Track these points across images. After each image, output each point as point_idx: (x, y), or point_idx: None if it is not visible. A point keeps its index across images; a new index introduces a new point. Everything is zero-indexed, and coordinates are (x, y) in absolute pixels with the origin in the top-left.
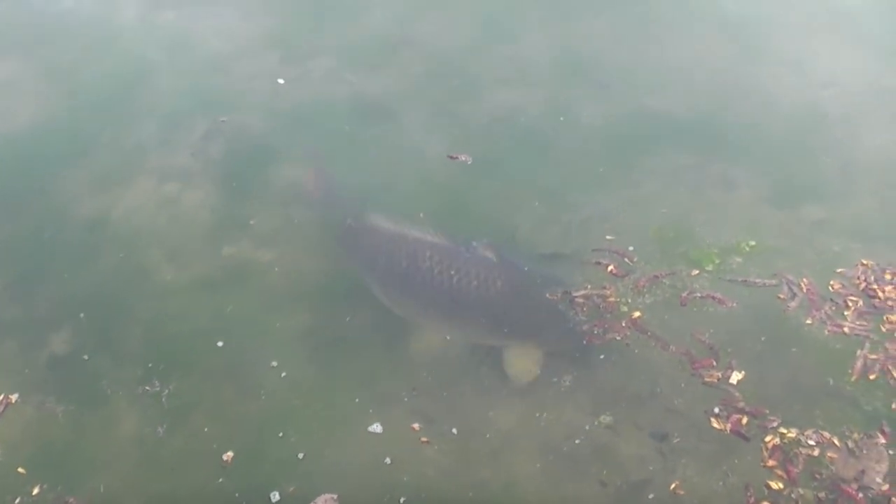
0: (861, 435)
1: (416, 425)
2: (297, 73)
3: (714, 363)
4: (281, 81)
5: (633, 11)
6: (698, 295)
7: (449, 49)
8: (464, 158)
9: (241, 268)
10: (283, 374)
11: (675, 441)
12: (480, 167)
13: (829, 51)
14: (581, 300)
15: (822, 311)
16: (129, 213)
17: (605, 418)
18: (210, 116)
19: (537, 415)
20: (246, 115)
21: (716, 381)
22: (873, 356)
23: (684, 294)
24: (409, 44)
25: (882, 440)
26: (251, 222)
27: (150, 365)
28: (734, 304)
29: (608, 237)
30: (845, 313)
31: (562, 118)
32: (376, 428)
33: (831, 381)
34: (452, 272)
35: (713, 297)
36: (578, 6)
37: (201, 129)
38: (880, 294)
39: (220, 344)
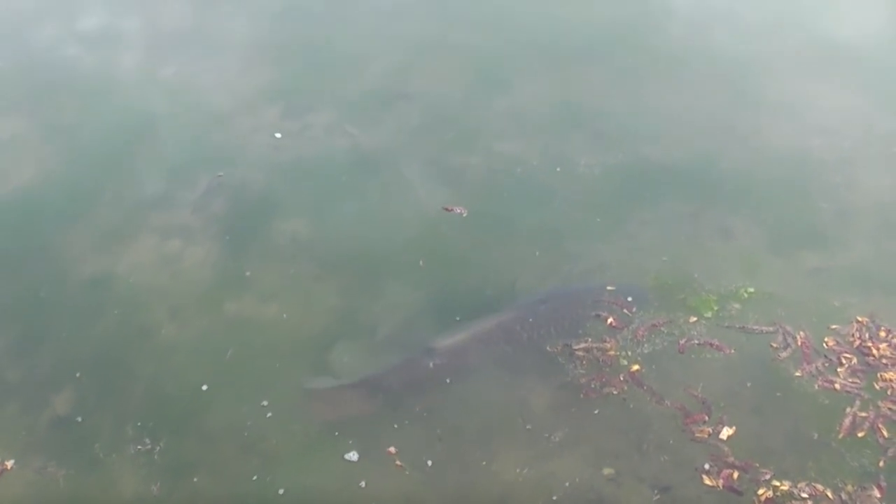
0: (855, 487)
1: (392, 448)
2: (298, 127)
3: (706, 418)
4: (278, 136)
5: (627, 61)
6: (696, 342)
7: (446, 101)
8: (459, 210)
9: (243, 323)
10: (269, 415)
11: (676, 493)
12: (478, 218)
13: (824, 97)
14: (581, 353)
15: (814, 366)
16: (131, 271)
17: (608, 470)
18: (212, 172)
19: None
20: (247, 169)
21: (706, 436)
22: (863, 414)
23: (682, 341)
24: (407, 97)
25: (877, 494)
26: (247, 273)
27: (147, 423)
28: (731, 351)
29: (609, 288)
30: (838, 370)
31: (558, 169)
32: (352, 456)
33: (816, 436)
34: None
35: (711, 344)
36: (573, 57)
37: (202, 184)
38: (874, 352)
39: (204, 388)
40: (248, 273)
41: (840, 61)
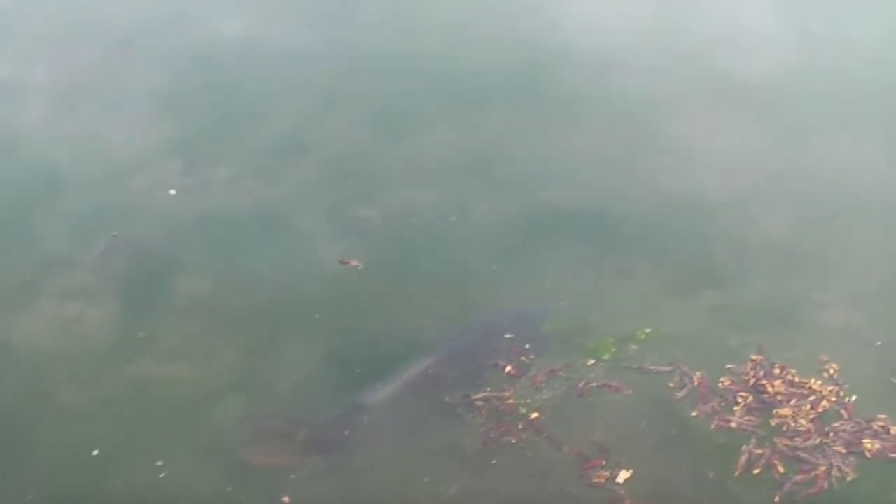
0: None
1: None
2: (197, 183)
3: (604, 462)
4: (173, 192)
5: (525, 105)
6: (594, 384)
7: (345, 152)
8: (355, 263)
9: (144, 385)
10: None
11: None
12: (376, 270)
13: (720, 137)
14: (480, 403)
15: (710, 406)
16: (29, 336)
17: None
18: (111, 230)
19: None
20: (147, 227)
21: (604, 481)
22: (759, 451)
23: (581, 385)
24: (306, 149)
25: None
26: (142, 335)
27: (44, 494)
28: (629, 392)
29: (507, 336)
30: (734, 409)
31: (454, 217)
32: None
33: (712, 475)
34: None
35: (609, 386)
36: (471, 103)
37: (101, 244)
38: (769, 389)
39: (95, 452)
40: (146, 334)
41: (735, 102)
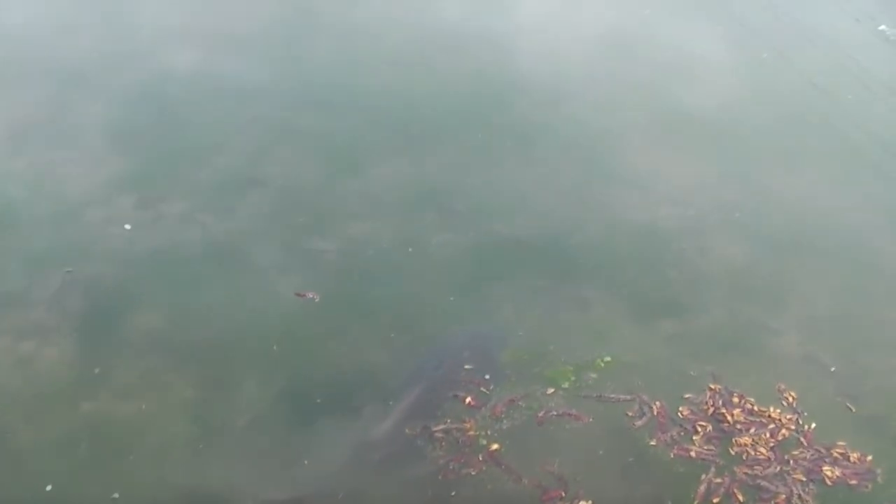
0: None
1: None
2: (150, 218)
3: (563, 494)
4: (128, 227)
5: (478, 139)
6: (554, 413)
7: (298, 186)
8: (311, 296)
9: (99, 422)
10: None
11: None
12: (332, 302)
13: (673, 168)
14: (441, 435)
15: (669, 434)
16: None
17: None
18: (66, 267)
19: None
20: (102, 263)
21: None
22: (718, 480)
23: (541, 414)
24: (259, 183)
25: None
26: (99, 371)
27: None
28: (590, 419)
29: (466, 367)
30: (694, 438)
31: (410, 249)
32: None
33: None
34: None
35: (569, 414)
36: (424, 136)
37: (56, 281)
38: (728, 418)
39: (48, 488)
40: (102, 371)
41: (688, 131)
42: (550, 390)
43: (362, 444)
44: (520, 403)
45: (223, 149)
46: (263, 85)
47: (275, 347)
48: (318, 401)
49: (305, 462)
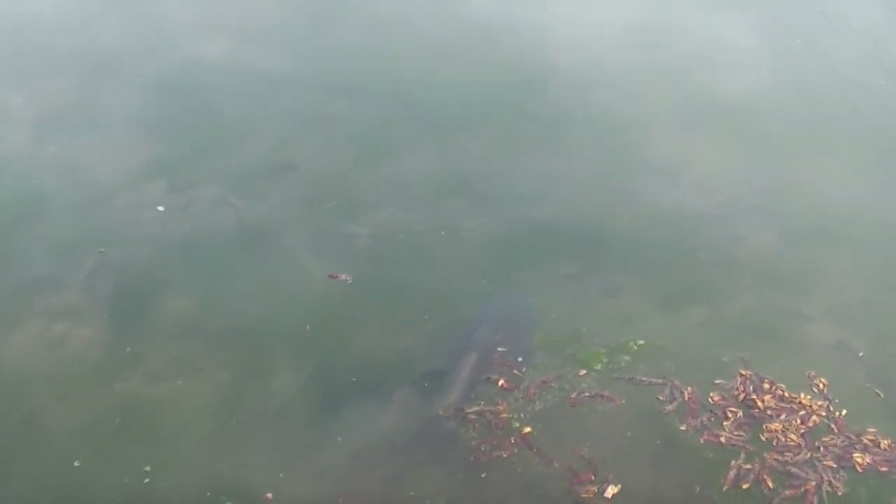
0: None
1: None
2: (182, 202)
3: (593, 477)
4: (161, 209)
5: (509, 125)
6: (587, 394)
7: (329, 171)
8: (344, 277)
9: (131, 405)
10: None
11: None
12: (365, 285)
13: (702, 154)
14: (473, 417)
15: (699, 420)
16: (16, 357)
17: None
18: (98, 249)
19: None
20: (134, 247)
21: (591, 496)
22: (748, 466)
23: (573, 395)
24: (291, 168)
25: None
26: (133, 352)
27: None
28: (622, 401)
29: (499, 349)
30: (724, 423)
31: (443, 232)
32: None
33: (698, 489)
34: None
35: (601, 396)
36: (455, 122)
37: (88, 264)
38: (759, 404)
39: (76, 464)
40: (133, 353)
41: (717, 118)
42: (583, 372)
43: (395, 425)
44: (552, 385)
45: (254, 135)
46: (293, 73)
47: (308, 328)
48: (354, 379)
49: (338, 439)
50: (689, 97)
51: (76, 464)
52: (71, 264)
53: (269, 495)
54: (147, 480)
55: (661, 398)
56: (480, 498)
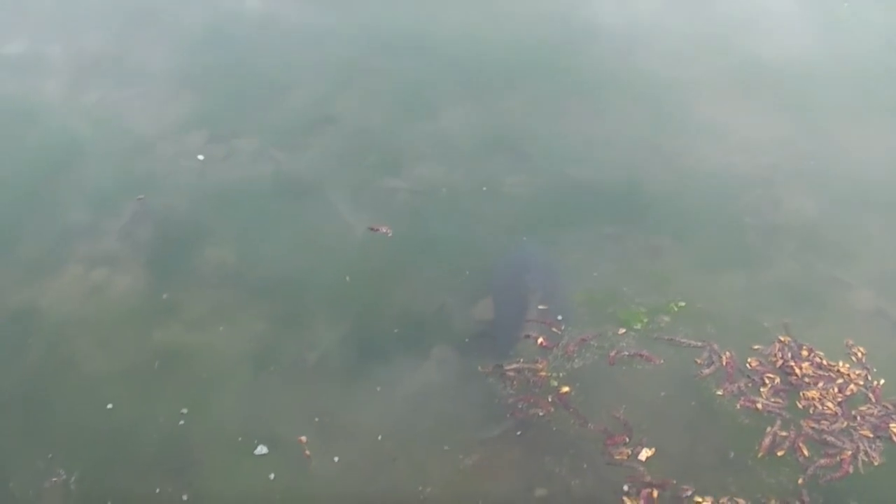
0: (778, 502)
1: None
2: (222, 153)
3: (627, 439)
4: (201, 158)
5: (551, 84)
6: (626, 353)
7: (370, 125)
8: (385, 230)
9: (169, 351)
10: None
11: None
12: (405, 238)
13: (746, 117)
14: (512, 374)
15: (737, 385)
16: (56, 302)
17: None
18: (135, 197)
19: None
20: (173, 196)
21: (625, 458)
22: (783, 433)
23: (612, 353)
24: (331, 121)
25: None
26: (171, 300)
27: (61, 455)
28: (661, 361)
29: (540, 307)
30: (761, 390)
31: (484, 188)
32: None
33: (732, 454)
34: None
35: (641, 355)
36: (497, 80)
37: (127, 212)
38: (797, 371)
39: (109, 406)
40: (171, 301)
41: (761, 82)
42: (622, 331)
43: (433, 379)
44: (592, 343)
45: (294, 88)
46: (333, 27)
47: (347, 279)
48: (396, 331)
49: (377, 389)
50: (733, 60)
51: (109, 406)
52: (111, 212)
53: (304, 438)
54: (182, 423)
55: (698, 362)
56: (514, 455)
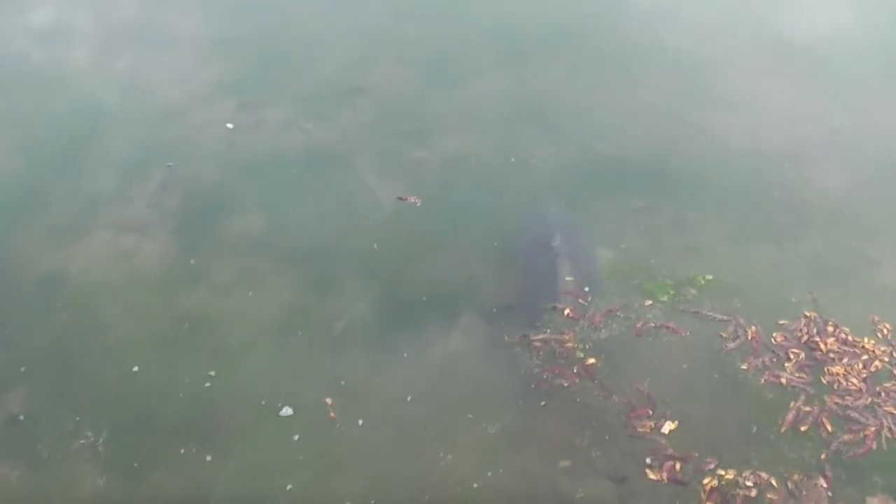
0: (801, 477)
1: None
2: (251, 122)
3: (650, 412)
4: (230, 126)
5: (580, 57)
6: (652, 325)
7: (399, 96)
8: (413, 200)
9: (197, 318)
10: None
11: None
12: (434, 208)
13: (776, 92)
14: (539, 344)
15: (761, 360)
16: (85, 268)
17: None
18: (164, 165)
19: None
20: (202, 164)
21: (648, 430)
22: (807, 409)
23: (639, 325)
24: (360, 91)
25: (823, 483)
26: (199, 266)
27: (89, 417)
28: (687, 333)
29: (567, 278)
30: (785, 364)
31: (513, 159)
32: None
33: (755, 429)
34: None
35: (667, 327)
36: (527, 52)
37: (156, 179)
38: (822, 346)
39: (135, 369)
40: (199, 267)
41: (791, 58)
42: (648, 302)
43: (459, 347)
44: (618, 314)
45: (324, 58)
46: None
47: (375, 247)
48: (424, 299)
49: (404, 355)
50: (763, 35)
51: (135, 369)
52: (140, 179)
53: (329, 400)
54: (208, 385)
55: (724, 335)
56: (537, 426)
